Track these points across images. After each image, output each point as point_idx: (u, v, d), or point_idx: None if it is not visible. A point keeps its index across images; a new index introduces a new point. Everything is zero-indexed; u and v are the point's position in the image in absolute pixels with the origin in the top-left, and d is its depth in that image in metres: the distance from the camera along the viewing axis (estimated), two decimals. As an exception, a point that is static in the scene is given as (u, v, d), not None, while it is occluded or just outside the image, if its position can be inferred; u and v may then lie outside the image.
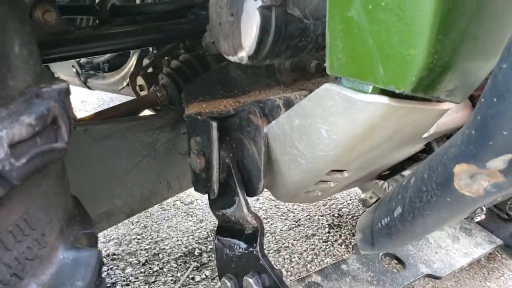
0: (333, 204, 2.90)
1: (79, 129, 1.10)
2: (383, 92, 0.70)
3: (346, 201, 2.93)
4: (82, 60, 2.24)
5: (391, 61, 0.62)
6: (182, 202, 2.87)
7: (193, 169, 1.13)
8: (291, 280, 1.55)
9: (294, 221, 2.68)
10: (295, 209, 2.82)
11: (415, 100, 0.72)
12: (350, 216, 2.75)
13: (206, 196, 1.19)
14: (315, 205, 2.87)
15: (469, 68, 0.65)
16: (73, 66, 2.20)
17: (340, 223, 2.67)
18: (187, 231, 2.54)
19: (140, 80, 1.64)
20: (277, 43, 0.92)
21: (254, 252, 1.03)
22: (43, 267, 0.61)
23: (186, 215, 2.72)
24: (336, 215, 2.76)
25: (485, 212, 1.09)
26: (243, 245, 1.06)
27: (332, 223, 2.67)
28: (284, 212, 2.78)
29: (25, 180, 0.58)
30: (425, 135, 0.95)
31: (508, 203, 1.69)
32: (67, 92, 0.64)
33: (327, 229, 2.60)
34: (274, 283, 1.01)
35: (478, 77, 0.69)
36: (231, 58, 0.98)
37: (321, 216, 2.75)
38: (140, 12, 1.29)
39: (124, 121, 1.19)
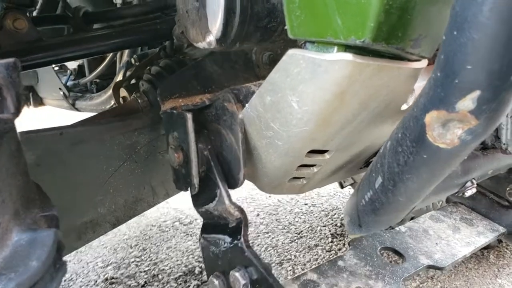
0: (335, 214, 2.84)
1: (54, 132, 1.08)
2: (348, 50, 0.67)
3: (348, 210, 2.88)
4: (69, 82, 2.24)
5: (347, 8, 0.60)
6: (181, 223, 2.83)
7: (172, 166, 1.10)
8: (285, 279, 1.50)
9: (296, 233, 2.62)
10: (297, 221, 2.77)
11: (382, 57, 0.70)
12: (353, 225, 2.70)
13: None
14: (317, 216, 2.82)
15: (430, 13, 0.63)
16: (60, 89, 2.20)
17: (343, 232, 2.61)
18: (186, 251, 2.49)
19: (123, 92, 1.63)
20: (244, 24, 0.90)
21: (239, 245, 0.99)
22: (-5, 249, 0.58)
23: (185, 235, 2.67)
24: (338, 224, 2.70)
25: (475, 185, 1.04)
26: (227, 239, 1.02)
27: (335, 232, 2.61)
28: (285, 225, 2.72)
29: (-28, 156, 0.55)
30: (404, 107, 0.92)
31: (508, 189, 1.64)
32: (14, 66, 0.62)
33: (330, 239, 2.54)
34: (262, 275, 0.96)
35: (443, 25, 0.66)
36: (200, 45, 0.96)
37: (323, 226, 2.69)
38: (113, 17, 1.29)
39: (101, 123, 1.17)
